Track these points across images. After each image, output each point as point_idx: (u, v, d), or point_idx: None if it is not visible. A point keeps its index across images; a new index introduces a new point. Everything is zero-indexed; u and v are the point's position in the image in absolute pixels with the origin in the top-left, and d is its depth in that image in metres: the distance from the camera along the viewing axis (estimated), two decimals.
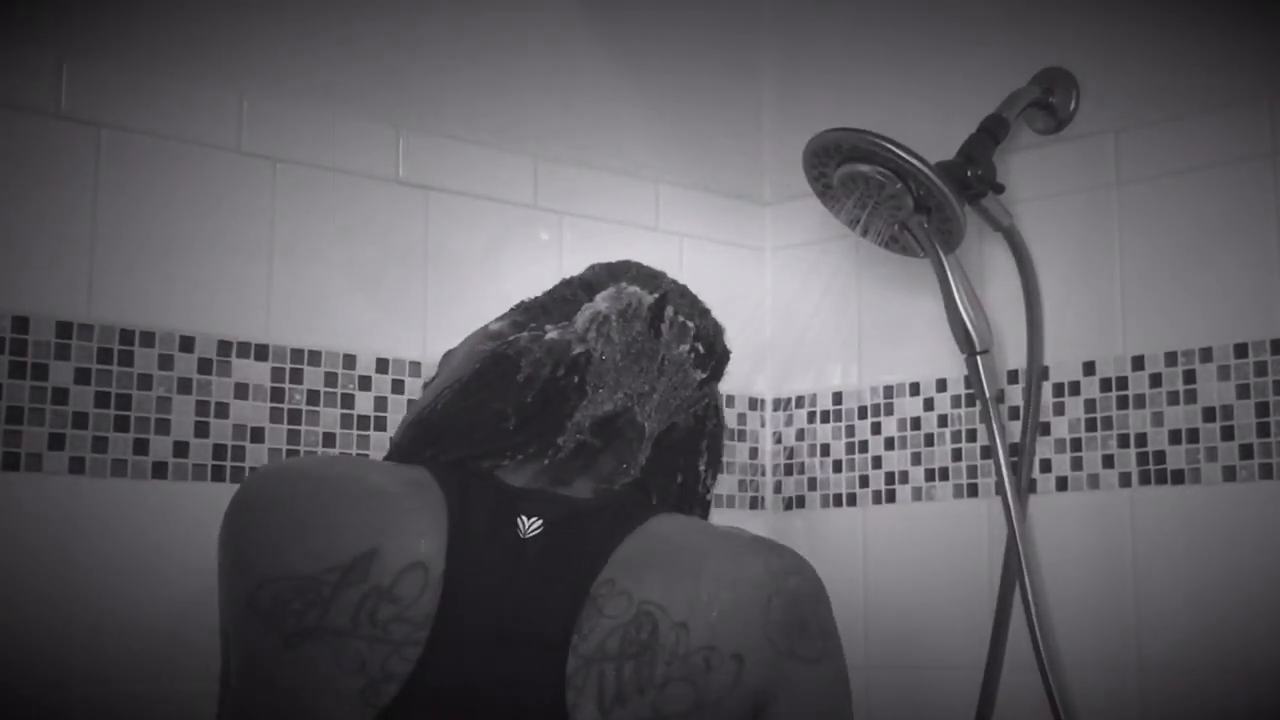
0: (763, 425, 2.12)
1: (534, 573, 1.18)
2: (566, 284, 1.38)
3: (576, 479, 1.27)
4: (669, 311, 1.33)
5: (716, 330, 1.38)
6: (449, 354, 1.41)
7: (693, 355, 1.33)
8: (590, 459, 1.28)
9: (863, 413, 2.03)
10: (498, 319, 1.37)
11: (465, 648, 1.14)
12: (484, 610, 1.16)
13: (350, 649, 1.13)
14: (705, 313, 1.38)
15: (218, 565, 1.22)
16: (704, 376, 1.35)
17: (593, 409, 1.28)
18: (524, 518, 1.21)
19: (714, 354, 1.36)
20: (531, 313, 1.35)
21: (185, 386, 1.62)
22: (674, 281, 1.38)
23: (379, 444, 1.75)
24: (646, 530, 1.22)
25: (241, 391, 1.66)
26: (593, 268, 1.39)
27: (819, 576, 1.26)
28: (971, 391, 1.89)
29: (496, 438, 1.26)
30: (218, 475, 1.63)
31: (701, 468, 1.37)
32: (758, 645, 1.19)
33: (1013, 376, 1.88)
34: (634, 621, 1.16)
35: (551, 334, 1.29)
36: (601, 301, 1.32)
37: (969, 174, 1.79)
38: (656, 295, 1.33)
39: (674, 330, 1.33)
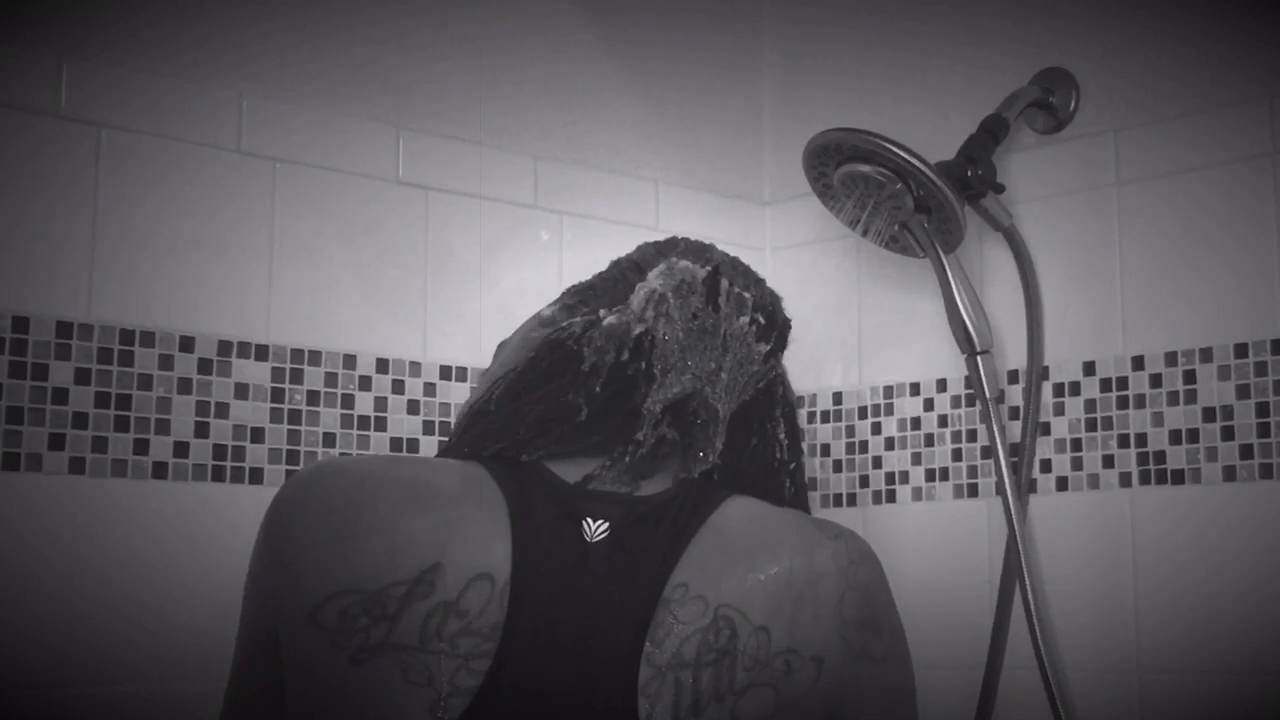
0: None
1: (602, 578, 1.15)
2: (615, 265, 1.36)
3: (656, 473, 1.24)
4: (724, 284, 1.30)
5: (774, 299, 1.35)
6: (503, 344, 1.39)
7: (754, 327, 1.31)
8: (669, 452, 1.25)
9: (863, 413, 2.03)
10: (549, 304, 1.35)
11: (534, 659, 1.12)
12: (552, 620, 1.13)
13: (418, 664, 1.11)
14: (760, 281, 1.35)
15: (258, 552, 1.21)
16: (768, 349, 1.32)
17: (663, 393, 1.25)
18: (589, 520, 1.18)
19: (775, 324, 1.34)
20: (582, 295, 1.33)
21: (185, 386, 1.62)
22: (724, 253, 1.35)
23: (379, 444, 1.75)
24: (715, 525, 1.20)
25: (241, 391, 1.65)
26: (641, 247, 1.37)
27: (877, 557, 1.24)
28: (971, 391, 1.89)
29: (574, 435, 1.24)
30: (218, 475, 1.63)
31: (782, 436, 1.33)
32: (835, 646, 1.17)
33: (1013, 376, 1.88)
34: (711, 626, 1.14)
35: (609, 318, 1.27)
36: (655, 279, 1.29)
37: (969, 174, 1.79)
38: (709, 269, 1.30)
39: (731, 302, 1.30)
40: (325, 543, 1.16)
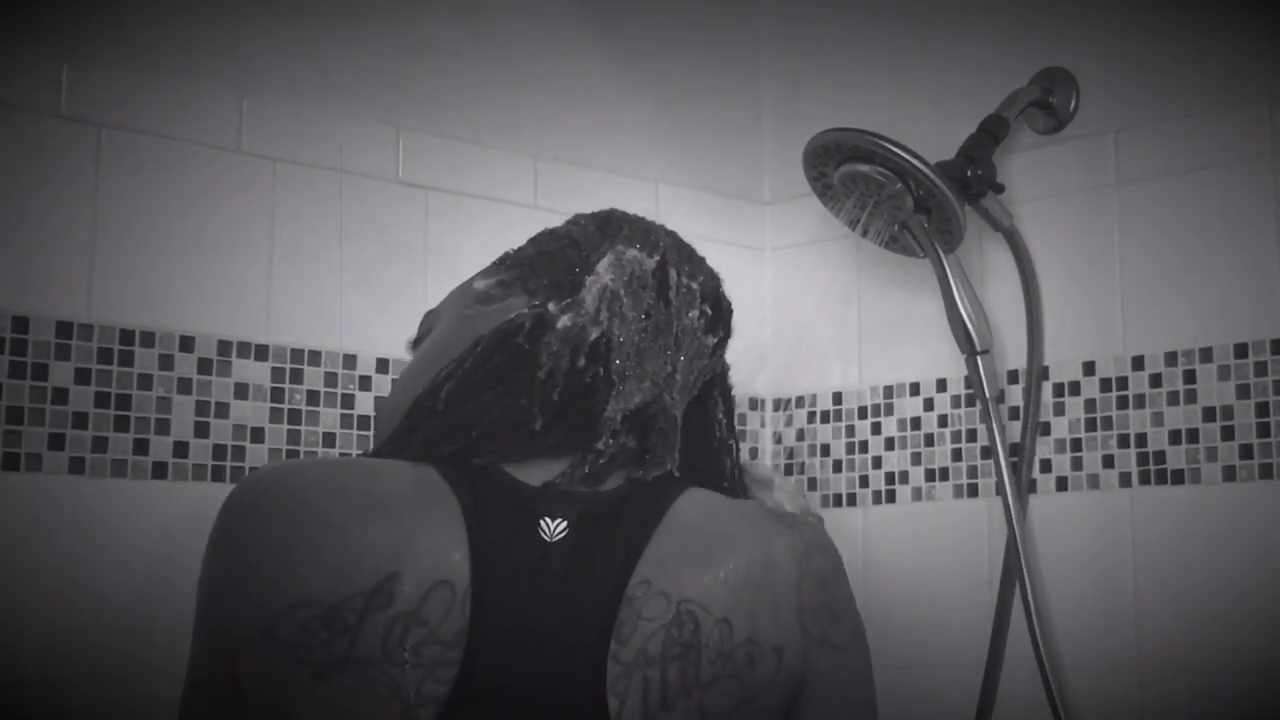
0: (762, 425, 2.12)
1: (564, 578, 1.15)
2: (551, 237, 1.32)
3: (612, 475, 1.23)
4: (672, 275, 1.29)
5: (716, 282, 1.34)
6: (431, 313, 1.36)
7: (703, 320, 1.30)
8: (628, 460, 1.24)
9: (863, 413, 2.03)
10: (482, 275, 1.32)
11: (500, 663, 1.12)
12: (516, 623, 1.13)
13: (384, 676, 1.10)
14: (701, 263, 1.34)
15: (209, 567, 1.19)
16: (716, 341, 1.31)
17: (623, 402, 1.23)
18: (547, 520, 1.17)
19: (721, 314, 1.33)
20: (519, 271, 1.29)
21: (185, 386, 1.62)
22: (665, 233, 1.33)
23: None
24: (674, 518, 1.19)
25: (241, 391, 1.66)
26: (577, 222, 1.33)
27: (832, 541, 1.25)
28: (971, 391, 1.89)
29: (529, 440, 1.21)
30: (218, 475, 1.63)
31: (720, 416, 1.33)
32: (793, 635, 1.19)
33: (1013, 376, 1.88)
34: (675, 621, 1.14)
35: (563, 320, 1.24)
36: (605, 273, 1.27)
37: (969, 174, 1.79)
38: (657, 259, 1.29)
39: (681, 296, 1.29)
40: (277, 555, 1.14)
